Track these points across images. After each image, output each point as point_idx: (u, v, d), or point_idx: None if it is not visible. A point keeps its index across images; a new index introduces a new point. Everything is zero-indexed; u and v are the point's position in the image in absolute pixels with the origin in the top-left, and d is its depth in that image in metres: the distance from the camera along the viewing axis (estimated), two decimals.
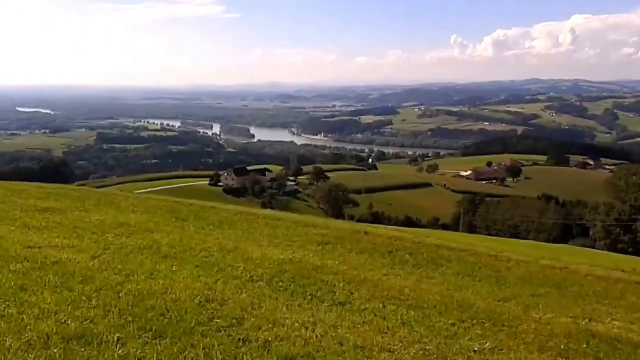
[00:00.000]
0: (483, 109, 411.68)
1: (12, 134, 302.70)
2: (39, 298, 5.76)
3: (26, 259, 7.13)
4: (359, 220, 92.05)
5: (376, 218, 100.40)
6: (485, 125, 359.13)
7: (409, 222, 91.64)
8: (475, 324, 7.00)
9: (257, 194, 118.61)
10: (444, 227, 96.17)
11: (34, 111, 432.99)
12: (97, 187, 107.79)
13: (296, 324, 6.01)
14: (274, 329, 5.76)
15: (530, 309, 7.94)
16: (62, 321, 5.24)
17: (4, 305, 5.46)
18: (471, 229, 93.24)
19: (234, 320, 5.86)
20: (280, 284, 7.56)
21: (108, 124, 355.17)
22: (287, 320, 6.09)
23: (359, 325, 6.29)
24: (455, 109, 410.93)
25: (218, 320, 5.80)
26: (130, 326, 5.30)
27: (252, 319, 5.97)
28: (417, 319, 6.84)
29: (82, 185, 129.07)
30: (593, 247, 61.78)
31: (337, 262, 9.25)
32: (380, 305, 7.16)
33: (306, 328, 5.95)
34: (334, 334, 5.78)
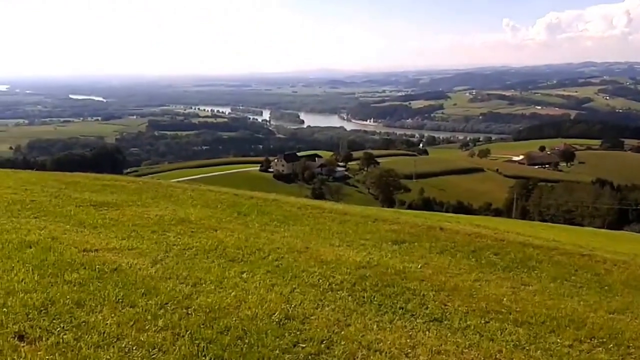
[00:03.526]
0: (535, 93, 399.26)
1: (66, 121, 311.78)
2: (97, 318, 5.01)
3: (83, 266, 6.44)
4: (410, 206, 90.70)
5: (427, 204, 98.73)
6: (538, 109, 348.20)
7: (460, 208, 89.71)
8: (596, 345, 5.96)
9: (307, 180, 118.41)
10: (497, 212, 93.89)
11: (87, 99, 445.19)
12: (150, 174, 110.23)
13: (394, 349, 5.11)
14: (370, 357, 4.86)
15: None
16: (126, 350, 4.48)
17: (59, 329, 4.73)
18: (524, 214, 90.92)
19: (321, 345, 4.99)
20: (363, 293, 6.66)
21: (160, 111, 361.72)
22: (381, 344, 5.20)
23: (466, 350, 5.35)
24: (507, 93, 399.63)
25: (303, 346, 4.95)
26: (205, 356, 4.50)
27: (342, 343, 5.10)
28: (529, 340, 5.85)
29: (135, 172, 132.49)
30: None
31: (419, 266, 8.28)
32: (482, 322, 6.18)
33: (406, 355, 5.04)
34: None
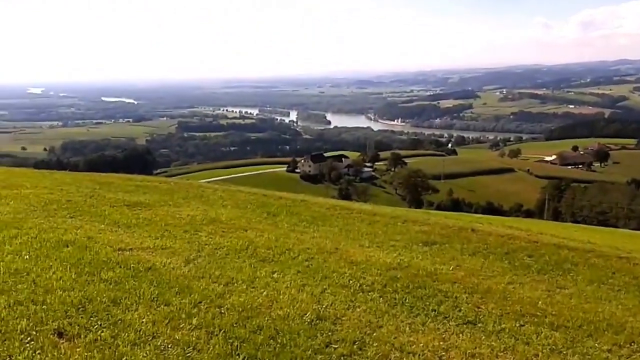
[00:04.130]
0: (568, 92, 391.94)
1: (98, 123, 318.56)
2: (133, 316, 5.09)
3: (118, 265, 6.55)
4: (438, 207, 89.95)
5: (456, 205, 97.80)
6: (571, 108, 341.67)
7: (490, 209, 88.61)
8: (635, 350, 5.82)
9: (334, 181, 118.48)
10: (528, 214, 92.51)
11: (118, 101, 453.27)
12: (179, 175, 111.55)
13: (427, 352, 5.07)
14: (403, 359, 4.83)
15: None
16: (162, 348, 4.54)
17: (96, 326, 4.81)
18: (556, 216, 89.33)
19: (354, 347, 4.98)
20: (394, 295, 6.62)
21: (189, 112, 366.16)
22: (414, 346, 5.16)
23: (501, 354, 5.27)
24: (539, 92, 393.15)
25: (336, 346, 4.94)
26: (238, 355, 4.54)
27: (374, 345, 5.07)
28: (565, 344, 5.73)
29: (164, 172, 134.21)
30: None
31: (451, 268, 8.19)
32: (517, 325, 6.08)
33: (440, 357, 5.00)
34: None
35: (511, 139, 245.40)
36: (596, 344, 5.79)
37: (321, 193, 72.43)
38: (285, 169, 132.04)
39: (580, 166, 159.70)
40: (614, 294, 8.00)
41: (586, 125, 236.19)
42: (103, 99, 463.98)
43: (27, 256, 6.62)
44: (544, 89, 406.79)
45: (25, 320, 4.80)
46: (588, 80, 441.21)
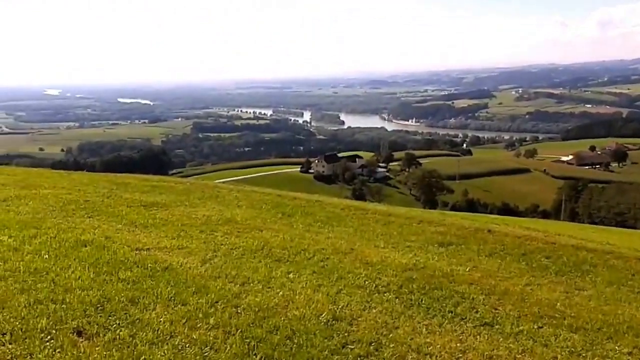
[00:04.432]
0: (585, 91, 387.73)
1: (114, 123, 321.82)
2: (151, 315, 5.13)
3: (136, 264, 6.60)
4: (453, 208, 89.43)
5: (471, 205, 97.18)
6: (588, 107, 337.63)
7: (506, 210, 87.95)
8: None
9: (348, 181, 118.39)
10: (544, 214, 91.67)
11: (134, 102, 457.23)
12: (194, 175, 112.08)
13: (444, 353, 5.04)
14: None
15: None
16: (180, 348, 4.57)
17: (115, 325, 4.86)
18: (573, 216, 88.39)
19: (370, 347, 4.97)
20: (410, 296, 6.60)
21: (204, 113, 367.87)
22: (431, 348, 5.13)
23: (519, 356, 5.23)
24: (555, 92, 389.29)
25: (352, 347, 4.94)
26: (255, 355, 4.55)
27: (391, 345, 5.06)
28: (585, 346, 5.66)
29: (180, 173, 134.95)
30: None
31: (467, 269, 8.14)
32: (535, 327, 6.02)
33: (457, 359, 4.96)
34: None
35: (527, 139, 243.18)
36: (616, 347, 5.73)
37: (335, 193, 72.45)
38: (299, 169, 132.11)
39: (597, 166, 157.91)
40: (634, 295, 7.90)
41: (604, 125, 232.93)
42: (119, 100, 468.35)
43: (47, 256, 6.69)
44: (561, 88, 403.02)
45: (45, 319, 4.86)
46: (605, 79, 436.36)
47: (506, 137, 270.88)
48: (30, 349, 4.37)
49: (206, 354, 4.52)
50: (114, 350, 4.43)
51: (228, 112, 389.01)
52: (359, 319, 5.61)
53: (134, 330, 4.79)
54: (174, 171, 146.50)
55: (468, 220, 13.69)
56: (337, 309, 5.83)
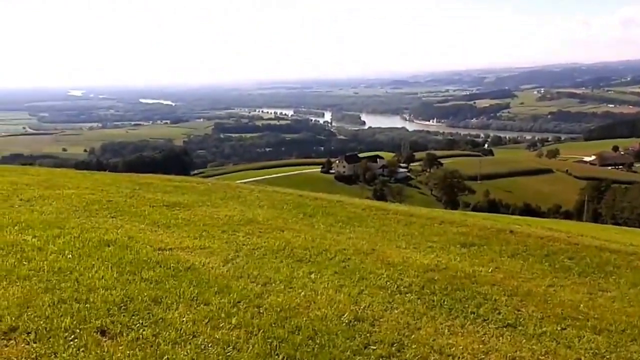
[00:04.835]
0: (608, 91, 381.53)
1: (136, 124, 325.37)
2: (174, 315, 5.17)
3: (159, 264, 6.66)
4: (474, 208, 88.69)
5: (493, 206, 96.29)
6: (611, 107, 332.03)
7: (528, 211, 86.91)
8: None
9: (369, 181, 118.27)
10: (566, 215, 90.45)
11: (156, 102, 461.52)
12: (215, 176, 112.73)
13: (467, 354, 5.00)
14: None
15: None
16: (202, 347, 4.59)
17: (138, 325, 4.90)
18: (596, 217, 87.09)
19: (392, 348, 4.95)
20: (432, 297, 6.56)
21: (225, 114, 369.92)
22: (454, 349, 5.09)
23: (542, 357, 5.19)
24: (578, 91, 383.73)
25: (374, 348, 4.93)
26: (277, 355, 4.56)
27: (413, 346, 5.04)
28: (609, 348, 5.59)
29: (201, 173, 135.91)
30: None
31: (489, 270, 8.07)
32: (559, 328, 5.95)
33: None
34: None
35: (549, 139, 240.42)
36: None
37: (356, 194, 72.24)
38: (319, 169, 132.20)
39: (620, 167, 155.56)
40: None
41: (627, 125, 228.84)
42: (141, 101, 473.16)
43: (70, 255, 6.76)
44: (583, 88, 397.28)
45: (69, 318, 4.91)
46: (629, 78, 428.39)
47: (528, 137, 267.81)
48: (54, 348, 4.42)
49: (229, 353, 4.54)
50: (137, 349, 4.47)
51: (249, 112, 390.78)
52: (381, 320, 5.60)
53: (157, 330, 4.82)
54: (196, 171, 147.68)
55: (490, 221, 13.58)
56: (359, 309, 5.82)
